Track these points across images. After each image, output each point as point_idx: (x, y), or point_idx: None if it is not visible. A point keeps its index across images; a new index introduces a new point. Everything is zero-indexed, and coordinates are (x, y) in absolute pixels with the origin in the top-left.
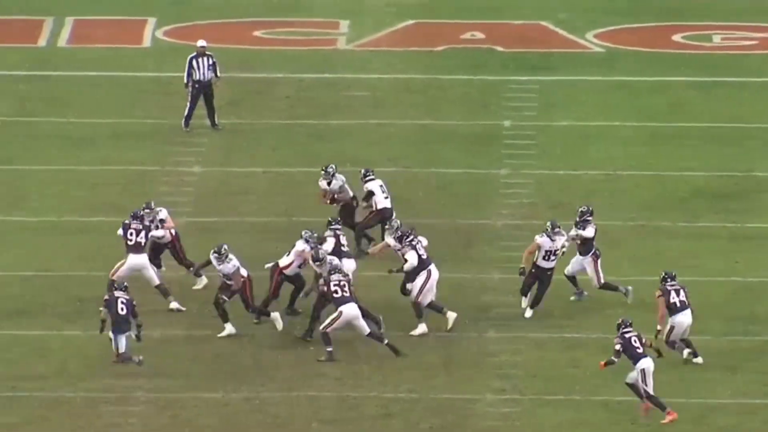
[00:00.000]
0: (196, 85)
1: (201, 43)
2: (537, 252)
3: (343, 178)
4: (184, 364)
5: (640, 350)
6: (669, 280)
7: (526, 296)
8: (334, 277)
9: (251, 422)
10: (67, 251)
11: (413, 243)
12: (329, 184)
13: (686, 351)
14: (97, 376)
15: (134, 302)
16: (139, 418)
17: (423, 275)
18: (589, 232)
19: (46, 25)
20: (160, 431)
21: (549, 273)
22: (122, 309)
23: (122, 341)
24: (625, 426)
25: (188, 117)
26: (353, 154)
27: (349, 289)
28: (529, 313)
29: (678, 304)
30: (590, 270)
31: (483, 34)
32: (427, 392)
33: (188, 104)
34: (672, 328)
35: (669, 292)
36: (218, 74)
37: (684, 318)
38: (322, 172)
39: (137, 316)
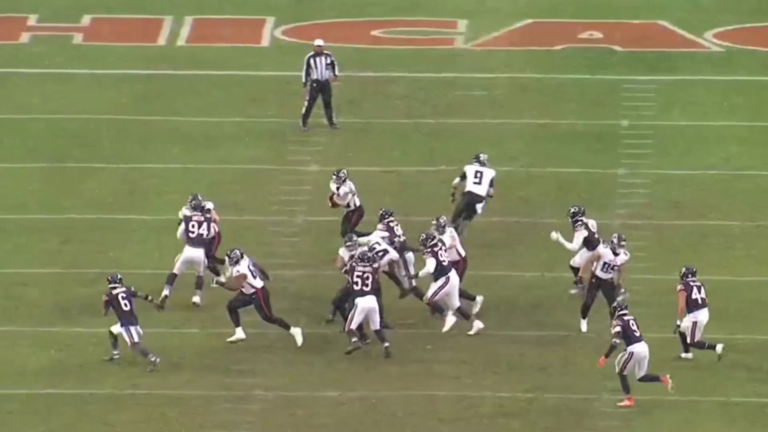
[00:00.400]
0: (314, 84)
1: (318, 42)
2: (596, 262)
3: (352, 186)
4: (301, 364)
5: (638, 333)
6: (690, 275)
7: (585, 318)
8: (359, 267)
9: (368, 421)
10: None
11: (435, 249)
12: (338, 188)
13: (719, 347)
14: (216, 374)
15: (132, 289)
16: (256, 416)
17: (442, 280)
18: (578, 239)
19: (165, 24)
20: (277, 430)
21: (610, 284)
22: (125, 305)
23: (133, 331)
24: (742, 426)
25: (306, 116)
26: (471, 154)
27: (372, 281)
28: (584, 326)
29: (699, 301)
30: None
31: (601, 34)
32: (543, 392)
33: (306, 103)
34: (695, 324)
35: (691, 288)
36: (336, 73)
37: (704, 316)
38: (334, 176)
39: (136, 295)
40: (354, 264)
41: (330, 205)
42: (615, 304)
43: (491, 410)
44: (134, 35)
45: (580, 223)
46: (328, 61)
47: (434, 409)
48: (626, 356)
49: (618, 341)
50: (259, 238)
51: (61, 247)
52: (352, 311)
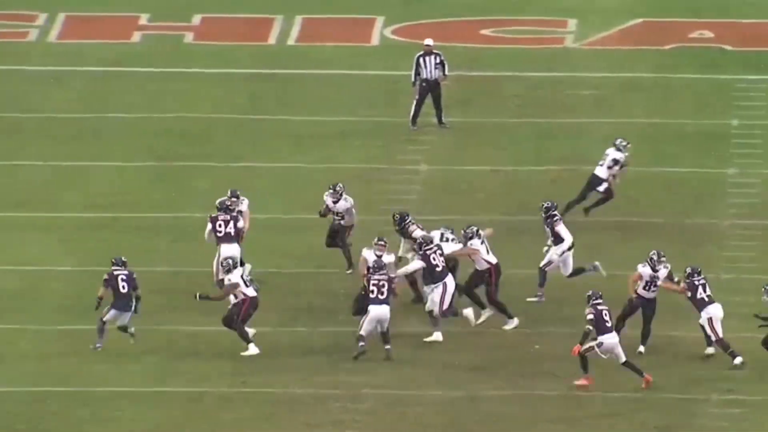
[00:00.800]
0: (424, 84)
1: (428, 41)
2: (639, 281)
3: (352, 201)
4: (408, 363)
5: (609, 324)
6: (696, 275)
7: (618, 332)
8: (375, 276)
9: (475, 421)
10: (294, 248)
11: (427, 253)
12: (335, 202)
13: (737, 359)
14: (325, 373)
15: (134, 275)
16: (365, 415)
17: (439, 288)
18: (564, 233)
19: (275, 23)
20: (386, 429)
21: (652, 303)
22: (123, 287)
23: (125, 316)
24: None
25: (415, 115)
26: (581, 153)
27: (387, 290)
28: (642, 349)
29: (706, 299)
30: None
31: (712, 33)
32: (652, 392)
33: (415, 102)
34: (710, 320)
35: (696, 287)
36: (446, 73)
37: (716, 310)
38: (330, 189)
39: (137, 289)
40: (371, 273)
41: (320, 215)
42: (589, 293)
43: (600, 410)
44: (244, 34)
45: (557, 217)
46: (438, 61)
47: (542, 409)
48: (595, 344)
49: (590, 328)
50: (369, 236)
51: (171, 245)
52: (364, 318)
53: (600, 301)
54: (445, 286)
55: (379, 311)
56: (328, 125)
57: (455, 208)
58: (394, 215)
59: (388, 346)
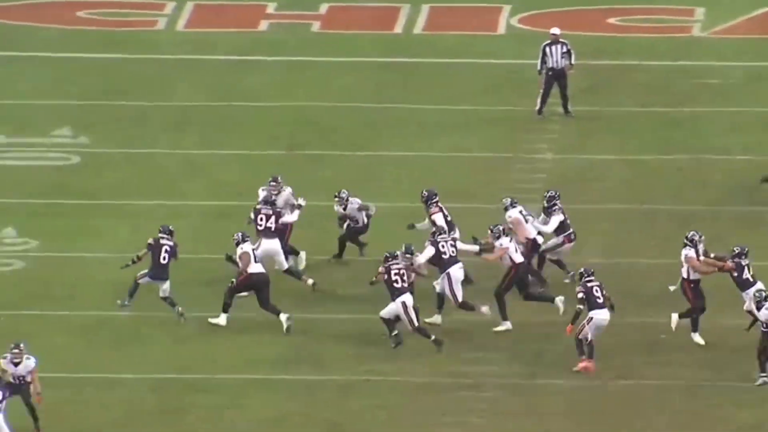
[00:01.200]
0: (550, 73)
1: (554, 30)
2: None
3: (359, 201)
4: (530, 352)
5: (600, 300)
6: (743, 256)
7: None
8: (395, 265)
9: (598, 410)
10: (422, 236)
11: (438, 240)
12: (345, 209)
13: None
14: (450, 362)
15: (178, 247)
16: (489, 403)
17: (444, 279)
18: (554, 222)
19: (402, 12)
20: (511, 416)
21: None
22: (164, 257)
23: (162, 285)
24: None
25: (542, 104)
26: (707, 143)
27: (408, 277)
28: (698, 338)
29: (751, 280)
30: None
31: None
32: None
33: (541, 91)
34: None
35: (742, 267)
36: (572, 62)
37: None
38: (336, 198)
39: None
40: (389, 265)
41: (341, 225)
42: (581, 270)
43: (722, 401)
44: (371, 23)
45: (557, 207)
46: (564, 50)
47: (666, 399)
48: (586, 321)
49: (581, 307)
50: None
51: (296, 233)
52: (406, 314)
53: (591, 278)
54: (449, 276)
55: (408, 300)
56: (453, 114)
57: (581, 197)
58: (422, 192)
59: (432, 336)
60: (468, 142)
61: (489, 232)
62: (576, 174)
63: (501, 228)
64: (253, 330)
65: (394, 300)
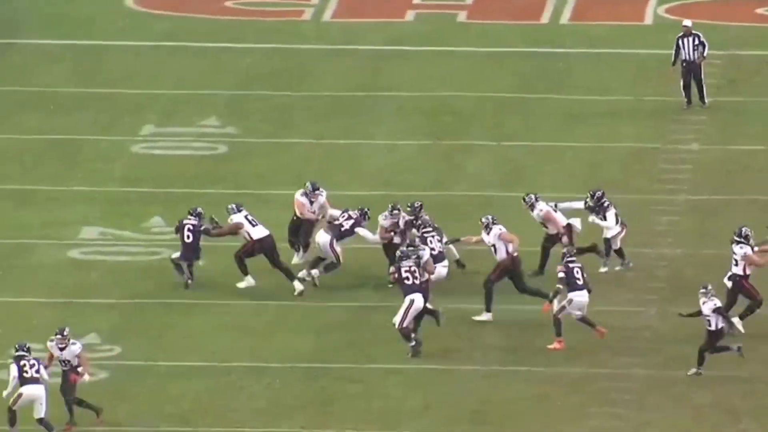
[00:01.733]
0: (684, 65)
1: (686, 22)
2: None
3: (324, 194)
4: (674, 343)
5: (580, 282)
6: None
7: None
8: (405, 263)
9: (746, 406)
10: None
11: (424, 237)
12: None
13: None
14: (595, 354)
15: (202, 228)
16: (635, 394)
17: (406, 301)
18: (611, 217)
19: (549, 2)
20: (655, 408)
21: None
22: (188, 236)
23: (185, 267)
24: None
25: (686, 96)
26: None
27: (420, 275)
28: (739, 324)
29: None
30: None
31: None
32: None
33: (682, 84)
34: None
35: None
36: (705, 53)
37: None
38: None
39: (208, 233)
40: (398, 264)
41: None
42: (564, 250)
43: None
44: (518, 13)
45: (608, 203)
46: (697, 42)
47: None
48: (565, 302)
49: (561, 287)
50: (640, 217)
51: (441, 223)
52: (406, 306)
53: (573, 258)
54: (411, 302)
55: (420, 299)
56: (599, 104)
57: (727, 188)
58: (413, 204)
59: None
60: (614, 133)
61: (481, 222)
62: (721, 165)
63: (491, 218)
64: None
65: (405, 296)
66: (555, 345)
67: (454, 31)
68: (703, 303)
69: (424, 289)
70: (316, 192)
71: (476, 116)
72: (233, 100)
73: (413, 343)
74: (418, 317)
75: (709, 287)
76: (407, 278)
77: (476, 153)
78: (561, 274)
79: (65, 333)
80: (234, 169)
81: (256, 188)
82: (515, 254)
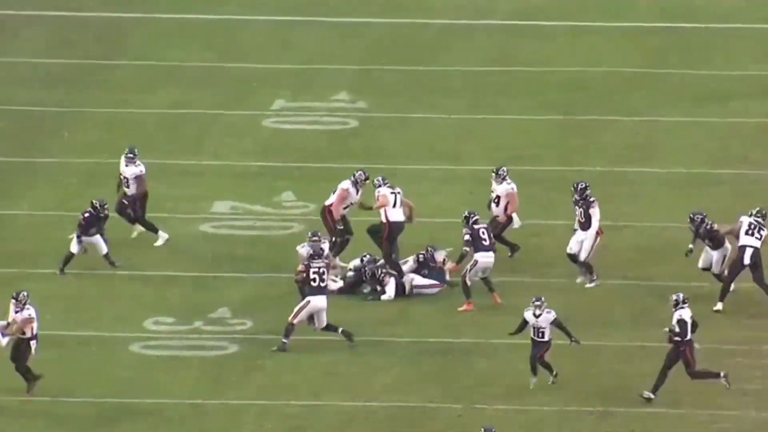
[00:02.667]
0: None
1: None
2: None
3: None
4: None
5: (486, 243)
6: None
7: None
8: (315, 263)
9: None
10: (699, 203)
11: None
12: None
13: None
14: (727, 329)
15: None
16: (766, 370)
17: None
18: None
19: None
20: None
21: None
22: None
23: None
24: None
25: None
26: None
27: (326, 278)
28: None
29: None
30: (588, 243)
31: None
32: None
33: None
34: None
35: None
36: None
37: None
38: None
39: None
40: (309, 262)
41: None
42: (466, 213)
43: None
44: None
45: (593, 199)
46: None
47: None
48: (471, 263)
49: (467, 249)
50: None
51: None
52: (301, 305)
53: (477, 218)
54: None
55: (319, 302)
56: (731, 80)
57: None
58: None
59: (341, 328)
60: (748, 109)
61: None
62: None
63: (476, 217)
64: (529, 296)
65: (305, 297)
66: (465, 307)
67: (588, 6)
68: None
69: (326, 290)
70: (366, 182)
71: (607, 91)
72: (364, 75)
73: (286, 341)
74: (326, 328)
75: None
76: (314, 279)
77: (607, 128)
78: (466, 237)
79: (19, 297)
80: (364, 144)
81: (386, 163)
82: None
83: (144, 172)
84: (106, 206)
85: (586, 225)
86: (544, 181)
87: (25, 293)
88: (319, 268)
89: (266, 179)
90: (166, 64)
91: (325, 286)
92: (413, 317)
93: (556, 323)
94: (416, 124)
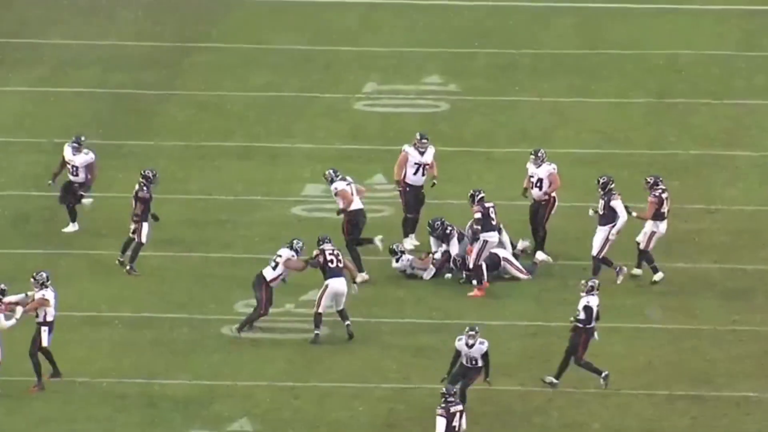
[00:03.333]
0: None
1: None
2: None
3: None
4: None
5: (494, 222)
6: (662, 184)
7: None
8: (327, 246)
9: None
10: None
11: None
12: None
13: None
14: None
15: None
16: None
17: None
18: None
19: None
20: None
21: None
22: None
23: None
24: None
25: None
26: None
27: (342, 260)
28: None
29: (666, 215)
30: (600, 237)
31: None
32: None
33: None
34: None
35: (662, 201)
36: None
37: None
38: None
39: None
40: (322, 247)
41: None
42: (472, 192)
43: None
44: None
45: (616, 193)
46: None
47: None
48: (481, 245)
49: (478, 228)
50: None
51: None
52: (322, 290)
53: (483, 195)
54: (326, 286)
55: (338, 284)
56: None
57: None
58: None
59: (347, 322)
60: None
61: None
62: None
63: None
64: (616, 289)
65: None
66: (476, 292)
67: None
68: None
69: (343, 273)
70: (425, 141)
71: (699, 74)
72: (456, 58)
73: (318, 331)
74: (340, 313)
75: None
76: (331, 261)
77: (700, 111)
78: (477, 215)
79: (37, 277)
80: (455, 127)
81: (477, 146)
82: None
83: (94, 159)
84: (156, 175)
85: (603, 219)
86: (635, 165)
87: (44, 273)
88: (333, 250)
89: (357, 162)
90: (257, 47)
91: (343, 266)
92: (505, 302)
93: (485, 356)
94: (507, 107)
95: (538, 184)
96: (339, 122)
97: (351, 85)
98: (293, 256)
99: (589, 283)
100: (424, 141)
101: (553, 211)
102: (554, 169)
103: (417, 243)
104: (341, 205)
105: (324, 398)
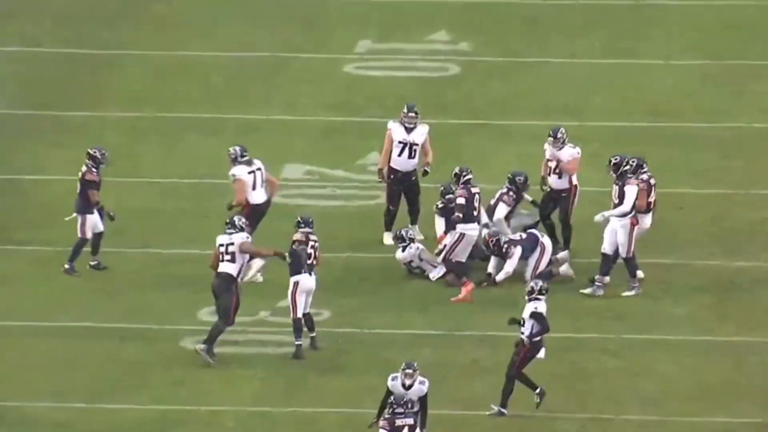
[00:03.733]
0: None
1: None
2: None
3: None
4: None
5: (476, 213)
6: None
7: None
8: (311, 235)
9: None
10: None
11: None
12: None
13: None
14: None
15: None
16: None
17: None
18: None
19: None
20: None
21: None
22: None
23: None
24: None
25: None
26: None
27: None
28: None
29: (652, 205)
30: (623, 236)
31: None
32: None
33: None
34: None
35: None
36: None
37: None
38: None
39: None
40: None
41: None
42: (457, 170)
43: None
44: None
45: (631, 175)
46: None
47: None
48: (456, 237)
49: (459, 215)
50: None
51: (721, 163)
52: (290, 296)
53: (470, 177)
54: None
55: (308, 281)
56: None
57: None
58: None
59: (313, 334)
60: None
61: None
62: None
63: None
64: (661, 294)
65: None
66: (461, 296)
67: None
68: None
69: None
70: (412, 115)
71: (762, 31)
72: (468, 10)
73: (300, 342)
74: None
75: None
76: (309, 255)
77: (763, 75)
78: (461, 200)
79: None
80: (468, 95)
81: (494, 117)
82: None
83: None
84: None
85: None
86: (686, 139)
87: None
88: (317, 240)
89: (348, 137)
90: None
91: (315, 264)
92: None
93: (423, 400)
94: (531, 70)
95: (558, 171)
96: (325, 89)
97: (341, 44)
98: (247, 237)
99: (531, 284)
100: (412, 115)
101: (576, 202)
102: (578, 153)
103: (422, 237)
104: (233, 202)
105: (306, 427)
